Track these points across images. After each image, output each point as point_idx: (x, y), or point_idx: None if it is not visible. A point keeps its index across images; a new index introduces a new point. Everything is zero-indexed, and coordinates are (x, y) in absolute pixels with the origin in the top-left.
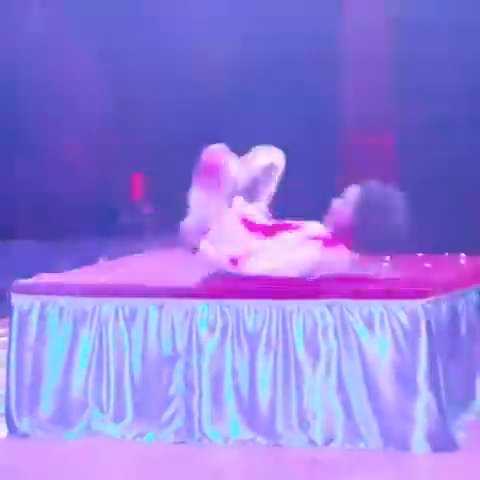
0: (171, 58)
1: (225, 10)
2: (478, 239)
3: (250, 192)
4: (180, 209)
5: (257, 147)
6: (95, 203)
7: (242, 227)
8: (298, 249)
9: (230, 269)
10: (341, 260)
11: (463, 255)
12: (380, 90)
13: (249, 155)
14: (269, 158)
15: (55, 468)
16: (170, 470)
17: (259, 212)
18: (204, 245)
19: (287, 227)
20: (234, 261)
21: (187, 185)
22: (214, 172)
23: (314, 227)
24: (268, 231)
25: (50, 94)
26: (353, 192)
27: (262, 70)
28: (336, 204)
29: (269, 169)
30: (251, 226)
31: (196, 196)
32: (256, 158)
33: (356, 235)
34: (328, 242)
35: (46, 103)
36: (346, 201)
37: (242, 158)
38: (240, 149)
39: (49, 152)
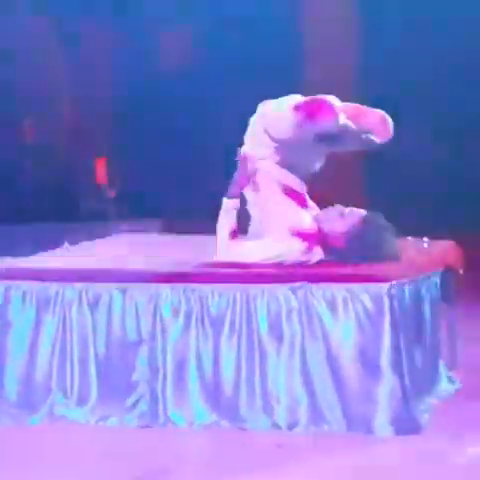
0: (135, 44)
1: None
2: (443, 223)
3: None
4: (141, 193)
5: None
6: (58, 187)
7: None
8: (285, 246)
9: (224, 248)
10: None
11: (426, 239)
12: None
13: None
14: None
15: (18, 453)
16: (134, 454)
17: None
18: (225, 204)
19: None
20: (235, 233)
21: (149, 170)
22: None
23: (306, 221)
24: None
25: (10, 77)
26: (356, 216)
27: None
28: (335, 221)
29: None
30: (292, 194)
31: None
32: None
33: (341, 252)
34: (310, 245)
35: (6, 85)
36: (346, 222)
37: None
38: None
39: (11, 134)
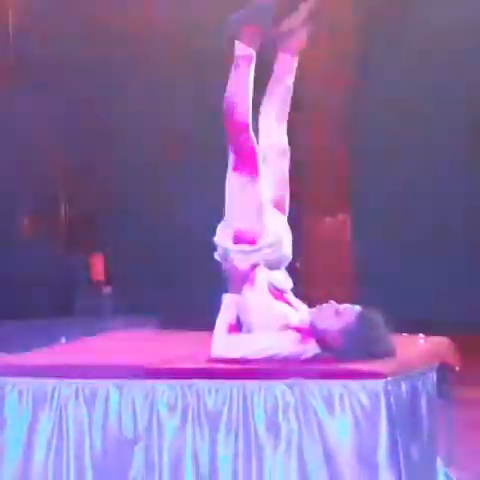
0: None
1: None
2: (436, 319)
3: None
4: (138, 290)
5: None
6: (53, 283)
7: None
8: (278, 337)
9: (219, 343)
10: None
11: (422, 335)
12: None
13: None
14: None
15: None
16: None
17: (283, 278)
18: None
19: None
20: (233, 328)
21: (145, 266)
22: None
23: (299, 318)
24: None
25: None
26: (351, 313)
27: None
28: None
29: None
30: (275, 293)
31: None
32: None
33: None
34: (304, 337)
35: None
36: (341, 319)
37: None
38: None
39: (8, 228)
